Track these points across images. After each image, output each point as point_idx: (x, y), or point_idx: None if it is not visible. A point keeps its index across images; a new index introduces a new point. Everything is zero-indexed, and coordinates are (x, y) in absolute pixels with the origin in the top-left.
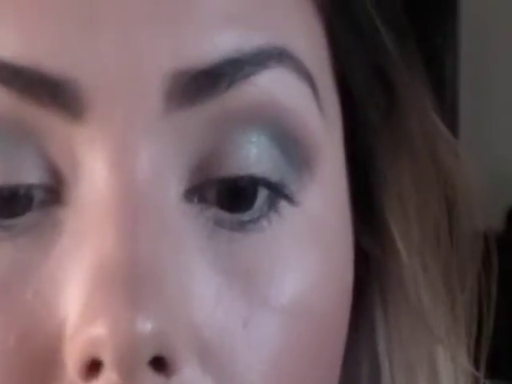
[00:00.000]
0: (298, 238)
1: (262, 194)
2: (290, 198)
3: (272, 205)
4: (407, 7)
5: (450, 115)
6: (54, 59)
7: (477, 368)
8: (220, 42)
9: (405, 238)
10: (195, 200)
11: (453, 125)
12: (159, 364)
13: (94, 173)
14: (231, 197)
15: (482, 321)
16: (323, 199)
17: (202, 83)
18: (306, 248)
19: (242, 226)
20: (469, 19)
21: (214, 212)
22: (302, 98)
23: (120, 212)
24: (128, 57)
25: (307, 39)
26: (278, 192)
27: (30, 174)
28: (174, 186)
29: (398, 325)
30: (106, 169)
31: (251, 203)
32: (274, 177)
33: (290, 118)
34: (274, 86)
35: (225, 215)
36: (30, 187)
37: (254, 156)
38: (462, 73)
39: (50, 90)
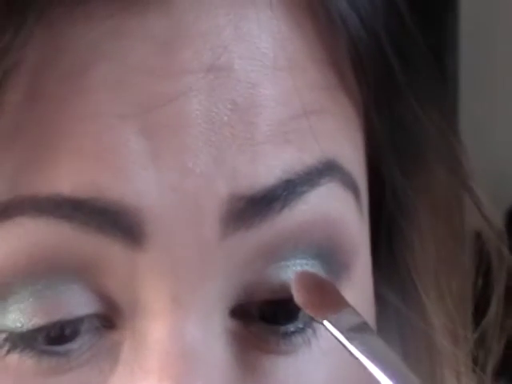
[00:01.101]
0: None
1: None
2: None
3: None
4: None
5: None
6: (115, 189)
7: None
8: (274, 164)
9: (431, 295)
10: (239, 315)
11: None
12: None
13: (152, 310)
14: (275, 310)
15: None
16: (357, 295)
17: (257, 207)
18: (342, 358)
19: (287, 339)
20: (469, 19)
21: (258, 326)
22: (347, 208)
23: (176, 365)
24: (187, 184)
25: (351, 143)
26: None
27: (85, 307)
28: (220, 310)
29: (416, 366)
30: (163, 310)
31: (296, 315)
32: None
33: (336, 231)
34: (323, 202)
35: (269, 328)
36: (84, 317)
37: None
38: (462, 72)
39: (111, 218)
